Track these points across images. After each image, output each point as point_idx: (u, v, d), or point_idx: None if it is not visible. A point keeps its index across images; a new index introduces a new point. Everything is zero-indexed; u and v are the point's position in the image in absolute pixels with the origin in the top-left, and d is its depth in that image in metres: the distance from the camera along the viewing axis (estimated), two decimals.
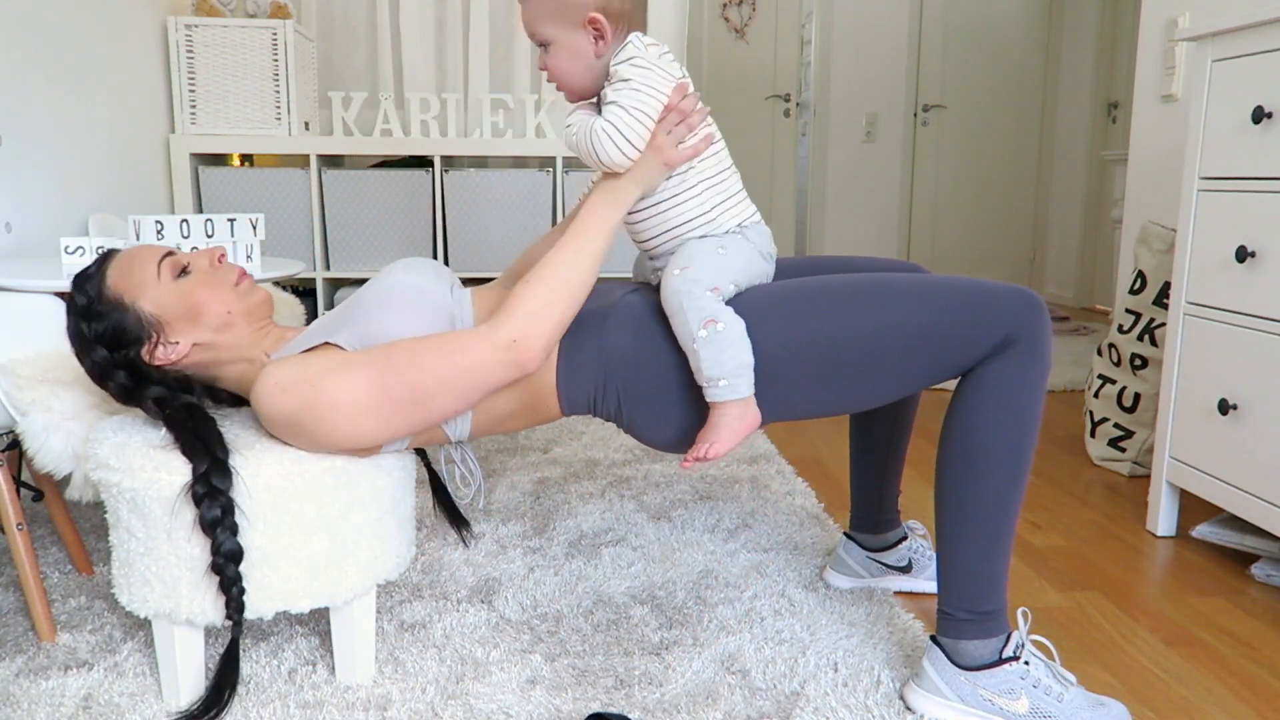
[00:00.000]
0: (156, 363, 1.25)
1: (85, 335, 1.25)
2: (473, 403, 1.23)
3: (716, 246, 1.27)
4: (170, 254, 1.28)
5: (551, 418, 1.33)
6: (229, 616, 1.20)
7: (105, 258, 1.28)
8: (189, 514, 1.17)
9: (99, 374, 1.26)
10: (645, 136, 1.22)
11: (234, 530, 1.17)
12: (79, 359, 1.27)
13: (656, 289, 1.34)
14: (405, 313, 1.24)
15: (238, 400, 1.41)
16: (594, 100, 1.32)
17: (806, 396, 1.25)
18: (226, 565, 1.18)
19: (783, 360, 1.22)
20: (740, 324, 1.21)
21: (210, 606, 1.21)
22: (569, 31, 1.24)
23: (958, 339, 1.20)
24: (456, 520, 1.53)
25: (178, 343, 1.25)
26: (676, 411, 1.27)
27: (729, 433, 1.20)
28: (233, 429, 1.29)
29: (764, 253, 1.34)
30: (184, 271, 1.27)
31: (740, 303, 1.25)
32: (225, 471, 1.17)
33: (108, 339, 1.24)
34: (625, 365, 1.27)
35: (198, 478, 1.16)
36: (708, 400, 1.21)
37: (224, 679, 1.24)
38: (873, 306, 1.22)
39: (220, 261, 1.30)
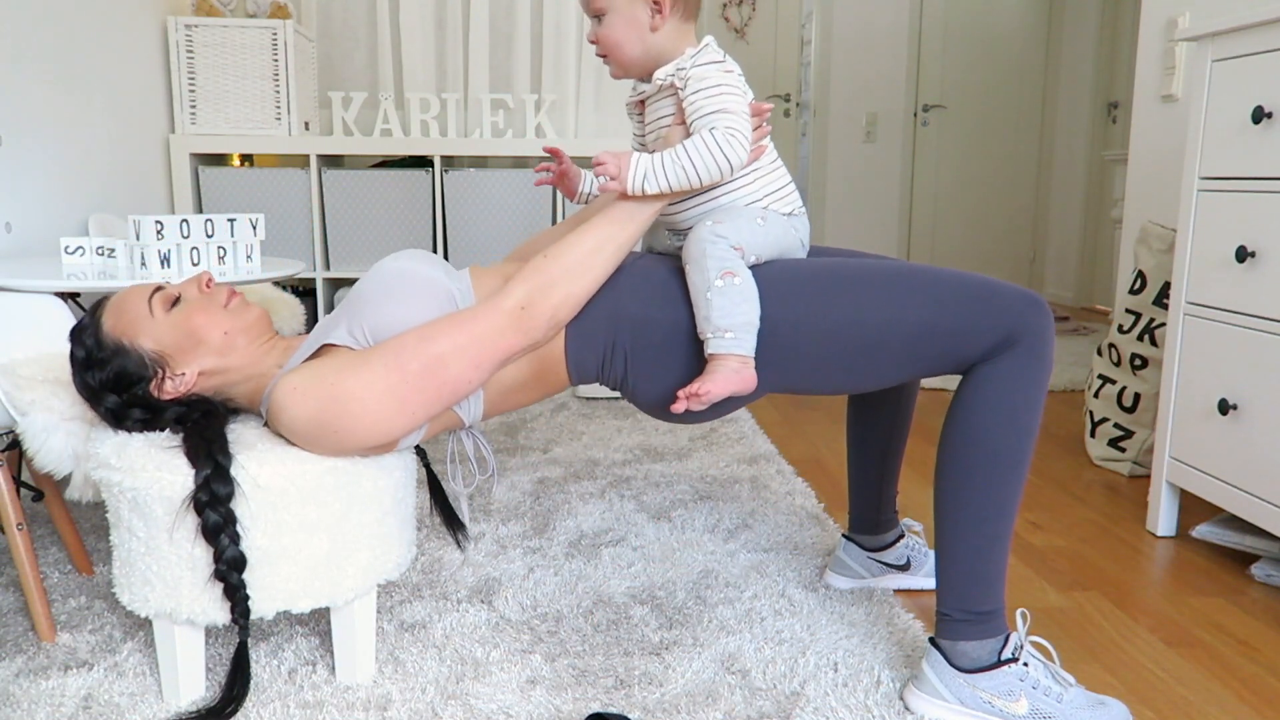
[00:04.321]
0: (166, 397, 1.26)
1: (92, 386, 1.26)
2: (487, 371, 1.23)
3: (757, 216, 1.28)
4: (159, 289, 1.29)
5: (560, 387, 1.34)
6: (235, 621, 1.21)
7: (96, 307, 1.30)
8: (191, 520, 1.17)
9: (114, 419, 1.27)
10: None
11: (235, 538, 1.18)
12: (92, 408, 1.29)
13: (668, 255, 1.36)
14: (408, 299, 1.24)
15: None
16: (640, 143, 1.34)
17: (806, 372, 1.25)
18: (229, 573, 1.18)
19: (787, 334, 1.23)
20: (755, 286, 1.22)
21: (211, 606, 1.21)
22: (629, 1, 1.25)
23: (960, 333, 1.20)
24: (452, 523, 1.53)
25: (184, 374, 1.26)
26: (679, 371, 1.27)
27: (725, 379, 1.19)
28: (236, 428, 1.29)
29: (803, 242, 1.36)
30: (176, 303, 1.28)
31: (757, 273, 1.25)
32: (227, 478, 1.17)
33: (114, 384, 1.25)
34: (635, 328, 1.27)
35: (199, 485, 1.16)
36: (709, 352, 1.21)
37: (234, 682, 1.24)
38: (880, 292, 1.22)
39: (208, 287, 1.31)
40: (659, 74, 1.27)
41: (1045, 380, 1.22)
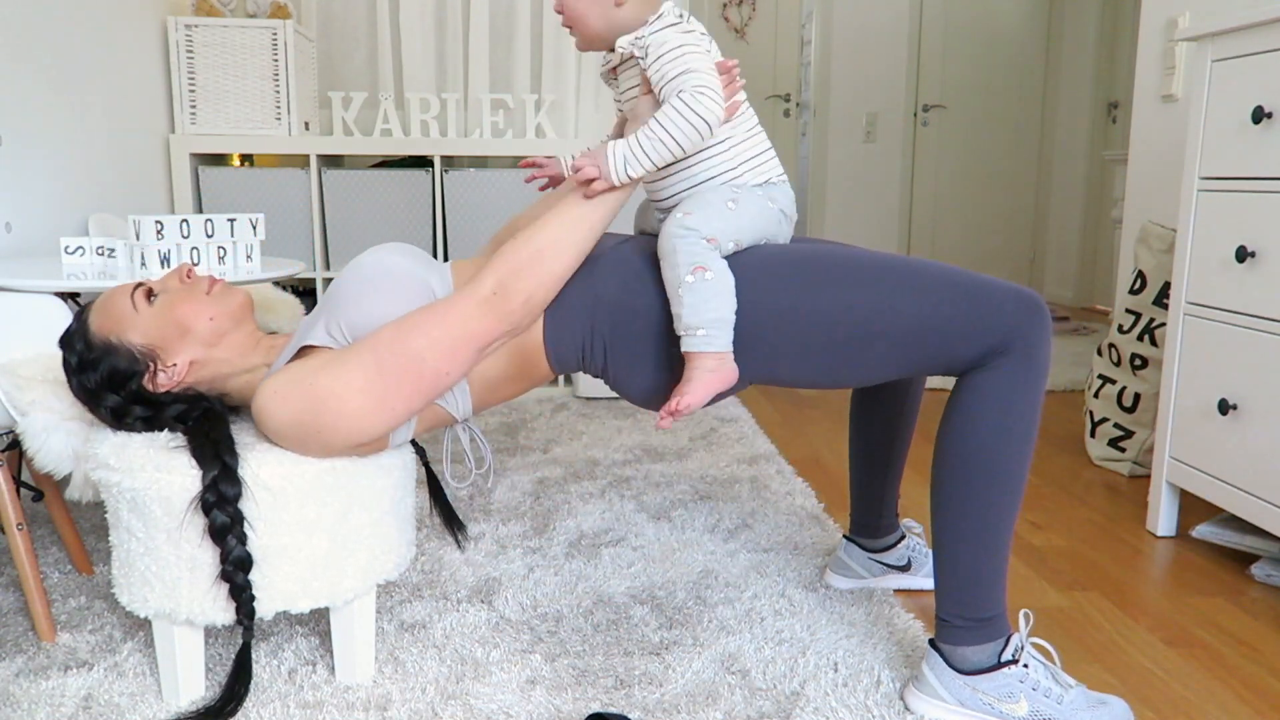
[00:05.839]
0: (161, 389, 1.26)
1: (89, 388, 1.26)
2: (466, 362, 1.21)
3: (727, 199, 1.24)
4: (140, 284, 1.29)
5: (545, 378, 1.33)
6: (239, 622, 1.21)
7: (81, 311, 1.30)
8: (199, 521, 1.17)
9: (116, 418, 1.27)
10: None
11: (242, 539, 1.18)
12: (92, 411, 1.28)
13: (650, 237, 1.34)
14: (385, 294, 1.24)
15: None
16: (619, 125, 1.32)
17: (791, 365, 1.23)
18: (236, 573, 1.18)
19: (771, 325, 1.21)
20: (730, 278, 1.19)
21: (210, 607, 1.21)
22: None
23: (952, 335, 1.18)
24: (452, 522, 1.53)
25: (175, 364, 1.26)
26: (658, 363, 1.25)
27: (702, 385, 1.18)
28: (235, 427, 1.29)
29: (785, 211, 1.31)
30: (156, 295, 1.28)
31: (739, 260, 1.23)
32: (234, 479, 1.17)
33: (109, 383, 1.25)
34: (613, 315, 1.25)
35: (207, 486, 1.16)
36: (683, 350, 1.19)
37: (236, 682, 1.25)
38: (871, 286, 1.19)
39: (189, 277, 1.31)
40: (620, 43, 1.23)
41: (1042, 385, 1.19)
